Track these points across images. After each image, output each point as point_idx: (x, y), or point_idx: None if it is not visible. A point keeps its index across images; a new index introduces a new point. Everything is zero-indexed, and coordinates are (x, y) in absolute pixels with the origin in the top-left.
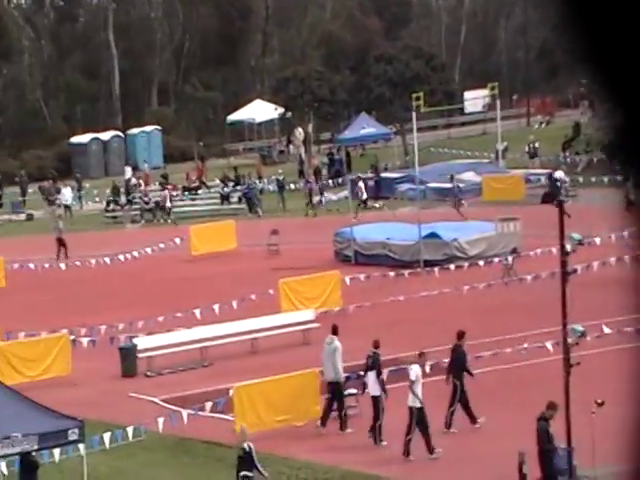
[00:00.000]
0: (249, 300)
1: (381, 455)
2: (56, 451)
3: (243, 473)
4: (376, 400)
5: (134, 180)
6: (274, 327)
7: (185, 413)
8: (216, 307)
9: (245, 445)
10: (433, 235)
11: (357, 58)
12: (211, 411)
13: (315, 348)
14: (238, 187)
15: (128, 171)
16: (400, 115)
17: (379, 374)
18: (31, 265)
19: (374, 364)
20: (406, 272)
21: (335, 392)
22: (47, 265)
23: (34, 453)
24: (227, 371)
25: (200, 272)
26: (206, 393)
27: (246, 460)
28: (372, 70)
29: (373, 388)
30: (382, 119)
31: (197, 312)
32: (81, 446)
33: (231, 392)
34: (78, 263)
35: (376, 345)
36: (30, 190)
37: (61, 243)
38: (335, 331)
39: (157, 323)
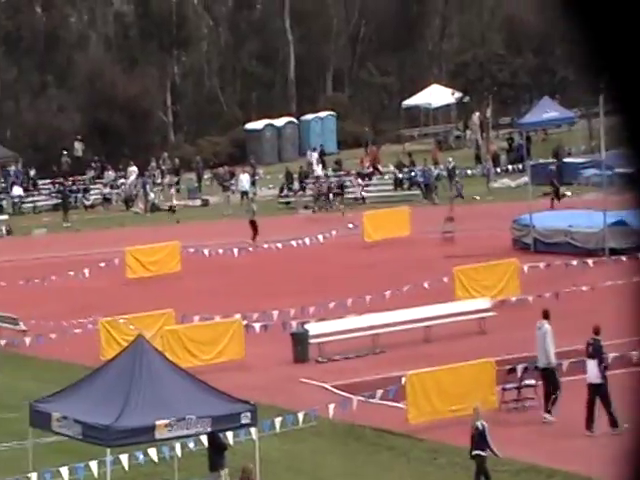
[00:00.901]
0: (422, 287)
1: (559, 448)
2: (229, 434)
3: (475, 452)
4: (595, 388)
5: (308, 166)
6: (448, 315)
7: (356, 400)
8: (388, 294)
9: (478, 424)
10: (621, 222)
11: (540, 40)
12: (382, 399)
13: (491, 337)
14: (413, 173)
15: (314, 156)
16: (586, 98)
17: (601, 362)
18: (205, 250)
19: (596, 351)
20: (590, 261)
21: (548, 378)
22: (221, 251)
23: (221, 435)
24: (399, 359)
25: (372, 259)
26: (377, 380)
27: (479, 439)
28: (557, 52)
29: (593, 376)
30: (565, 102)
31: (368, 299)
32: (253, 430)
33: (403, 380)
34: (251, 249)
35: (596, 331)
36: (205, 176)
37: (254, 226)
38: (546, 315)
39: (328, 309)
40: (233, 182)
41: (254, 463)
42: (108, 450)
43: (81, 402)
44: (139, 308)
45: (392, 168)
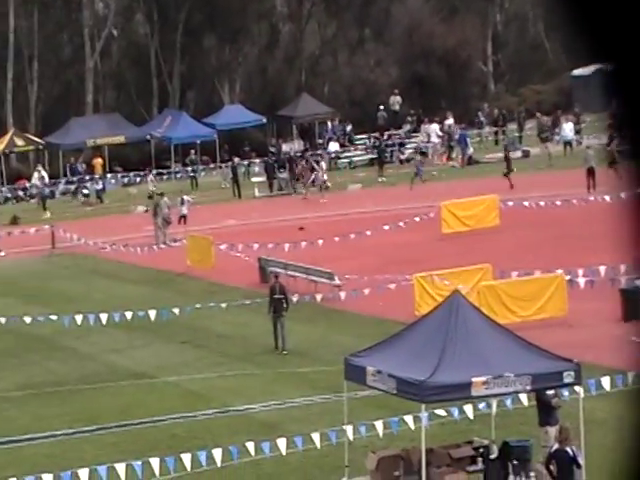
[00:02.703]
0: None
1: None
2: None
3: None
4: None
5: None
6: None
7: None
8: None
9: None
10: None
11: None
12: None
13: None
14: None
15: None
16: None
17: None
18: (525, 203)
19: None
20: None
21: None
22: (542, 203)
23: (549, 392)
24: None
25: None
26: None
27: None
28: None
29: None
30: None
31: None
32: (578, 389)
33: None
34: (574, 201)
35: None
36: (528, 126)
37: (592, 175)
38: None
39: None
40: (556, 131)
41: (577, 424)
42: (423, 406)
43: (395, 357)
44: (454, 263)
45: None
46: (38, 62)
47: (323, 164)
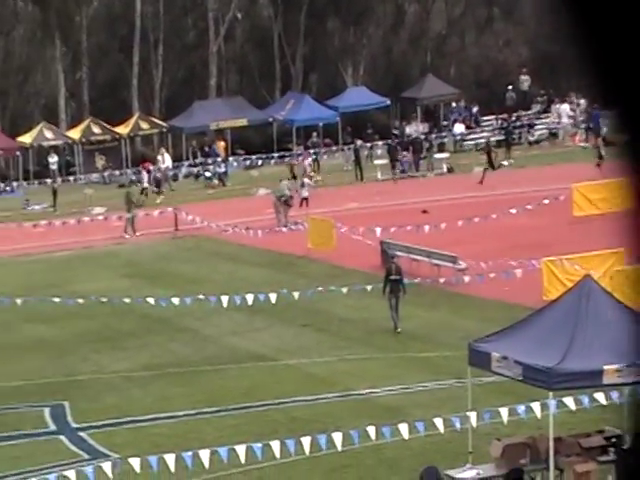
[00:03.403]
0: None
1: None
2: None
3: None
4: None
5: None
6: None
7: None
8: None
9: None
10: None
11: None
12: None
13: None
14: None
15: None
16: None
17: None
18: None
19: None
20: None
21: None
22: None
23: None
24: None
25: None
26: None
27: None
28: None
29: None
30: None
31: None
32: None
33: None
34: None
35: None
36: None
37: None
38: None
39: None
40: None
41: None
42: (551, 393)
43: (522, 343)
44: (585, 247)
45: None
46: (163, 46)
47: (309, 160)
